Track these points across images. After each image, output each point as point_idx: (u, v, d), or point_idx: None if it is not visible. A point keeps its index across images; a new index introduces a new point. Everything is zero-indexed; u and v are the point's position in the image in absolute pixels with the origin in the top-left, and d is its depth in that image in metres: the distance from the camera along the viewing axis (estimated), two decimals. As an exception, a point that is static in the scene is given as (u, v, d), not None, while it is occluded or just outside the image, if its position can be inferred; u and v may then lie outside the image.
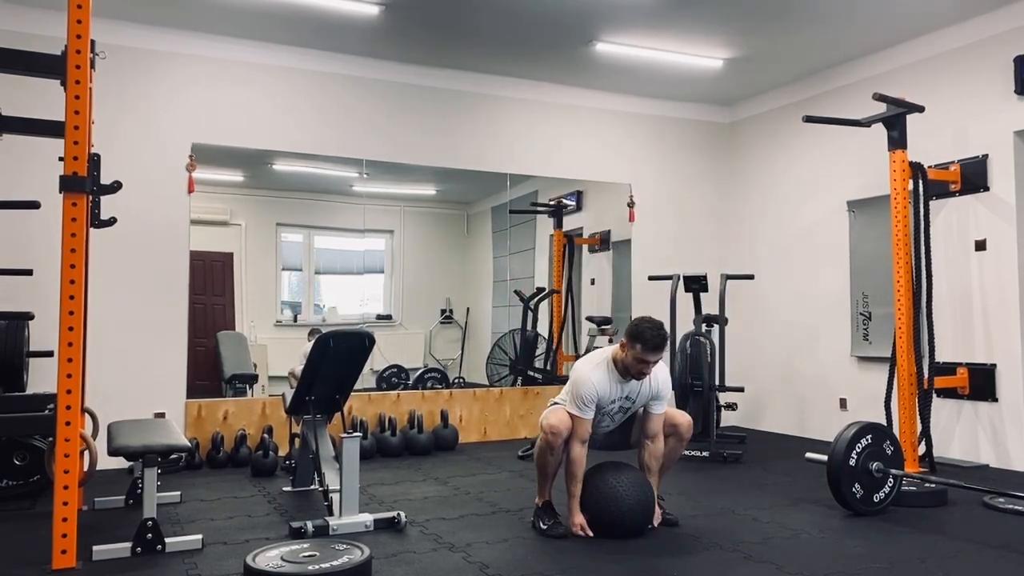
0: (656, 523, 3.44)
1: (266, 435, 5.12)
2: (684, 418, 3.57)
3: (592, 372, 3.35)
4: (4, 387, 4.23)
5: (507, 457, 5.33)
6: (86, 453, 3.28)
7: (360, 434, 4.06)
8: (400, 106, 6.00)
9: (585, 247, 7.10)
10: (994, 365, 4.94)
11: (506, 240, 6.99)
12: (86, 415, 3.70)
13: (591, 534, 3.29)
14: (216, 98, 5.43)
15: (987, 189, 4.99)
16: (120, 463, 4.59)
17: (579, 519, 3.33)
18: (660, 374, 3.43)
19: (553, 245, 7.01)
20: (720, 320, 5.48)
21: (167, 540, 3.12)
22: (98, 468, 3.38)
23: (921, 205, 4.75)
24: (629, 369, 3.31)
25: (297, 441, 4.31)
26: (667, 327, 5.59)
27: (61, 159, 2.98)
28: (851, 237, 5.92)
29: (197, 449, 5.05)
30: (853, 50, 5.70)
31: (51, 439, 3.56)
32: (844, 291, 5.95)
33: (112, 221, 3.83)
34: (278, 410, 5.28)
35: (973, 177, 5.05)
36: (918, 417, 4.56)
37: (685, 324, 5.62)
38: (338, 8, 4.92)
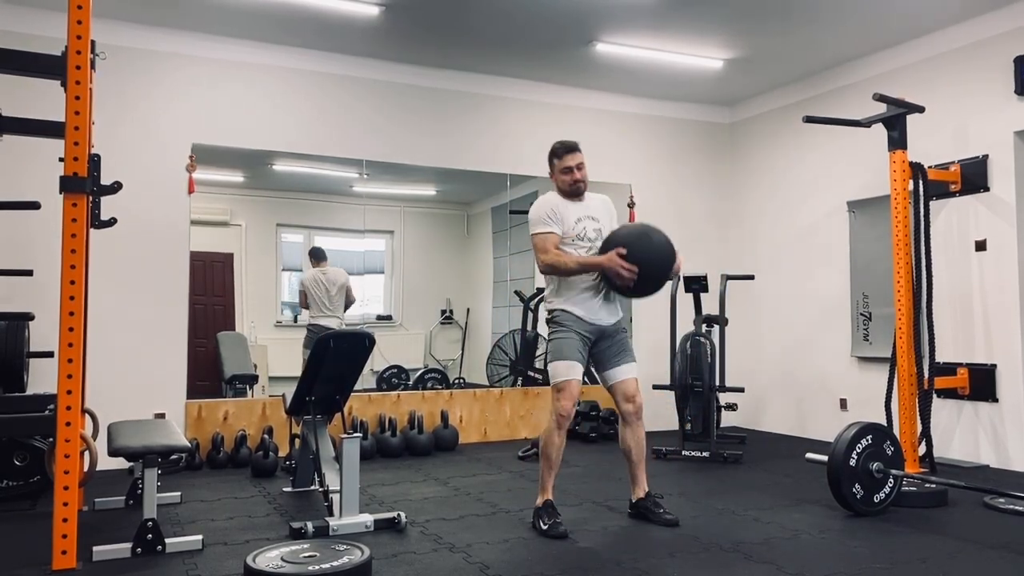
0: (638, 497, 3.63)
1: (266, 436, 5.12)
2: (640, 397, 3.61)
3: (541, 198, 3.63)
4: (4, 388, 4.24)
5: (507, 458, 5.33)
6: (86, 453, 3.27)
7: (360, 435, 4.07)
8: (400, 106, 6.00)
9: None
10: (994, 365, 4.94)
11: (506, 240, 6.99)
12: (86, 415, 3.70)
13: (623, 252, 3.34)
14: (216, 98, 5.43)
15: (987, 189, 4.99)
16: (120, 464, 4.58)
17: (613, 253, 3.35)
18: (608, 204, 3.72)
19: (553, 245, 7.00)
20: (720, 320, 5.48)
21: (167, 541, 3.12)
22: (98, 469, 3.38)
23: (921, 205, 4.76)
24: (564, 187, 3.59)
25: (297, 442, 4.31)
26: (668, 327, 5.65)
27: (61, 159, 2.98)
28: (851, 237, 5.92)
29: (197, 450, 5.05)
30: (853, 50, 5.70)
31: (51, 439, 3.56)
32: (844, 291, 5.95)
33: (112, 221, 3.83)
34: (278, 411, 5.28)
35: (973, 177, 5.05)
36: (918, 417, 4.56)
37: (685, 324, 5.62)
38: (338, 8, 4.93)
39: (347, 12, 4.98)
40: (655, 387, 5.49)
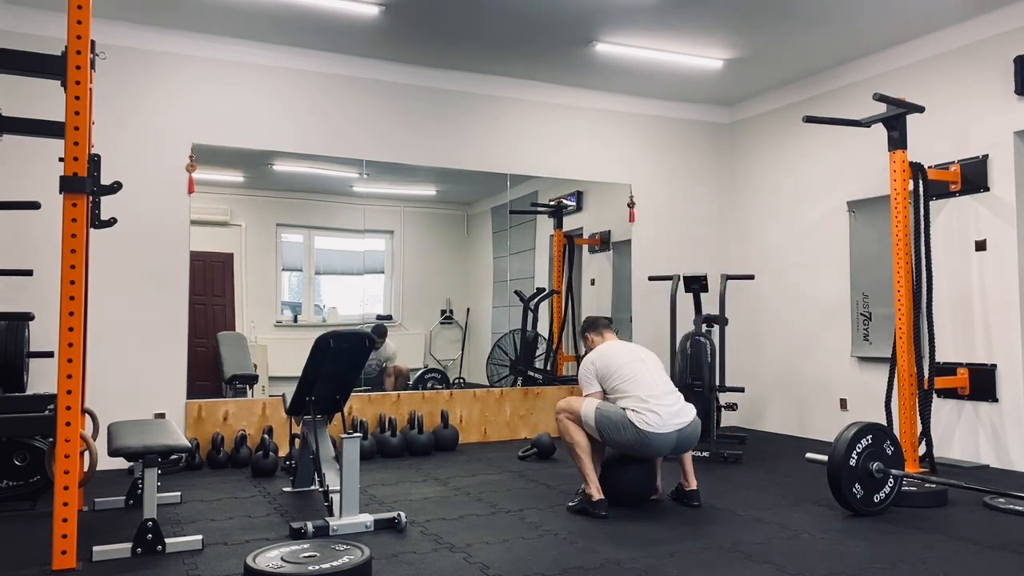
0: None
1: (266, 436, 5.12)
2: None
3: None
4: (4, 388, 4.23)
5: (507, 458, 5.33)
6: (86, 454, 3.27)
7: (360, 435, 4.06)
8: (400, 107, 6.00)
9: (585, 247, 7.09)
10: (994, 365, 4.93)
11: (506, 240, 6.99)
12: (86, 415, 3.70)
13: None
14: (216, 98, 5.43)
15: (987, 189, 4.99)
16: (120, 464, 4.59)
17: None
18: None
19: (553, 245, 7.01)
20: (720, 320, 5.48)
21: (167, 540, 3.12)
22: (98, 469, 3.38)
23: (921, 205, 4.76)
24: None
25: (297, 442, 4.31)
26: (668, 327, 5.65)
27: (61, 159, 2.98)
28: (851, 237, 5.92)
29: (197, 449, 5.05)
30: (853, 50, 5.70)
31: (51, 439, 3.56)
32: (844, 291, 5.95)
33: (112, 221, 3.83)
34: (278, 411, 5.28)
35: (973, 177, 5.05)
36: (918, 417, 4.56)
37: (685, 324, 5.62)
38: (338, 9, 4.92)
39: (347, 12, 4.98)
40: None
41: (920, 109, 4.64)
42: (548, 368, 6.83)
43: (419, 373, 6.76)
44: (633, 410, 3.61)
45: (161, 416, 4.97)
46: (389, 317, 6.85)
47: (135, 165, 5.08)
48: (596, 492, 3.71)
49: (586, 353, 4.03)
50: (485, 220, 7.13)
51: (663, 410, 3.63)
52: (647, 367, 3.82)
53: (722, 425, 6.25)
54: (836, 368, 6.02)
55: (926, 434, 4.60)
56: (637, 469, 3.91)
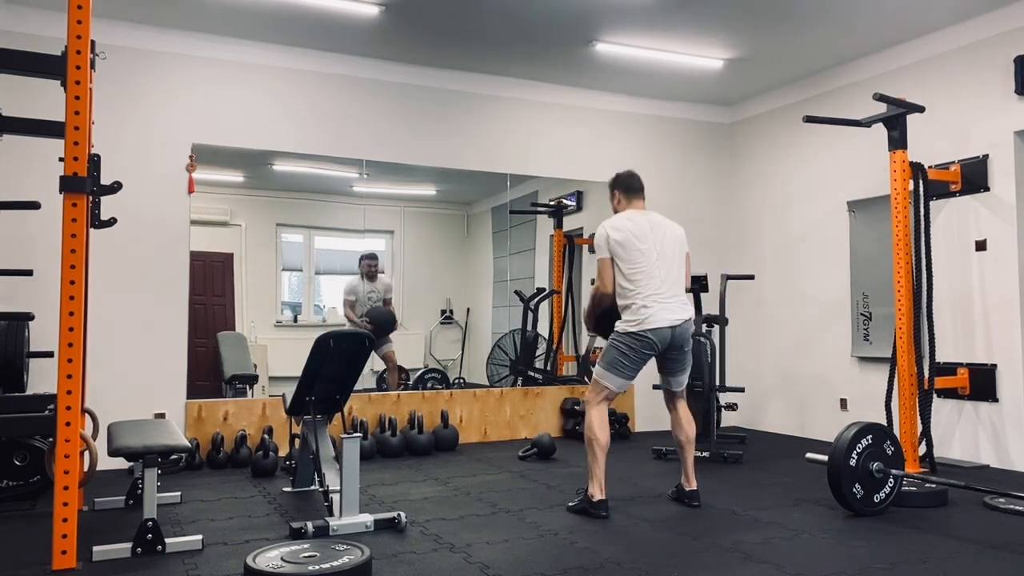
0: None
1: (266, 436, 5.12)
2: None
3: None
4: (4, 387, 4.23)
5: (507, 457, 5.33)
6: (86, 453, 3.28)
7: (360, 434, 4.07)
8: (400, 106, 6.00)
9: (585, 247, 7.10)
10: (994, 365, 4.93)
11: (506, 240, 7.00)
12: (86, 415, 3.70)
13: None
14: (216, 98, 5.43)
15: (987, 189, 4.99)
16: (120, 464, 4.59)
17: None
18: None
19: (553, 245, 7.02)
20: (720, 320, 5.48)
21: (167, 540, 3.12)
22: (98, 469, 3.38)
23: (921, 205, 4.76)
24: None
25: (297, 442, 4.31)
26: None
27: (61, 159, 2.98)
28: (851, 237, 5.92)
29: (197, 449, 5.05)
30: (853, 50, 5.70)
31: (51, 439, 3.56)
32: (844, 291, 5.95)
33: (112, 221, 3.83)
34: (278, 411, 5.28)
35: (973, 177, 5.05)
36: (918, 417, 4.56)
37: (685, 324, 5.62)
38: (338, 8, 4.93)
39: (347, 12, 4.98)
40: (655, 387, 5.48)
41: (920, 109, 4.64)
42: (548, 368, 6.83)
43: (419, 373, 6.76)
44: (626, 323, 3.75)
45: (161, 416, 4.97)
46: (389, 317, 6.85)
47: (135, 165, 5.07)
48: (599, 492, 3.71)
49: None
50: (485, 220, 7.14)
51: (659, 307, 3.74)
52: (665, 261, 3.84)
53: (722, 425, 6.25)
54: (836, 368, 6.02)
55: (926, 434, 4.60)
56: None
